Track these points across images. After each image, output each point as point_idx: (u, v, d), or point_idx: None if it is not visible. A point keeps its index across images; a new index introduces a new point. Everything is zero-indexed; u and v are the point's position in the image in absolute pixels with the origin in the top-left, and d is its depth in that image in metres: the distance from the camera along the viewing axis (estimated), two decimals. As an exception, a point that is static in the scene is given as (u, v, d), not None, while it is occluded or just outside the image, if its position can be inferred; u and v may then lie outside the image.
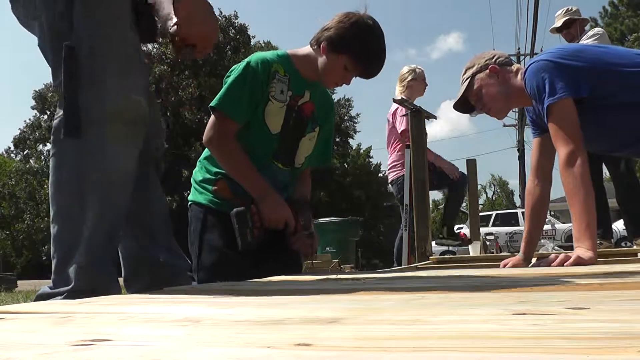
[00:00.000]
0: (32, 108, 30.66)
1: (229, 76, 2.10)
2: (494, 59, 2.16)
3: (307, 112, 2.15)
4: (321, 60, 2.05)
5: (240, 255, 2.02)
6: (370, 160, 36.29)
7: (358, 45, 1.99)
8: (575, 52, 2.02)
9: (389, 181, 4.75)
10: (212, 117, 2.07)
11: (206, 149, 2.19)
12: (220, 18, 29.62)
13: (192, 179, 2.26)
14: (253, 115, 2.06)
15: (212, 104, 2.04)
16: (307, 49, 2.12)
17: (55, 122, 1.42)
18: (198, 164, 2.25)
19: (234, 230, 1.98)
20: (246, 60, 2.08)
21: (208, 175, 2.16)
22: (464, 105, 2.24)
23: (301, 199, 2.20)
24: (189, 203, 2.23)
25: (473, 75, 2.15)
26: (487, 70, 2.13)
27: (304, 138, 2.16)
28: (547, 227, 11.42)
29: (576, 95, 1.92)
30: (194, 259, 2.15)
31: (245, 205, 2.00)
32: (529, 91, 2.03)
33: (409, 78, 4.58)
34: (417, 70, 4.62)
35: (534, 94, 2.00)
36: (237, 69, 2.08)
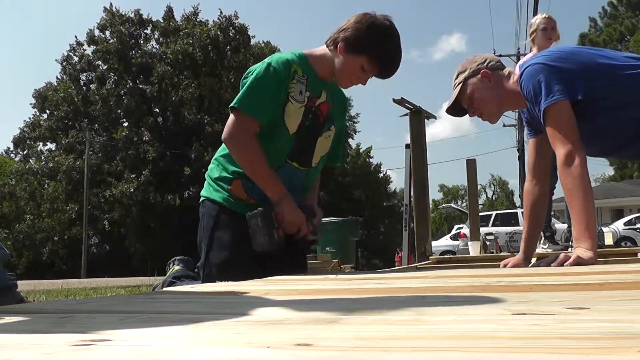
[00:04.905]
0: (32, 107, 30.57)
1: (246, 77, 2.08)
2: (485, 63, 2.16)
3: (324, 113, 2.15)
4: (338, 60, 2.05)
5: (249, 255, 2.04)
6: (370, 160, 36.34)
7: (376, 46, 2.00)
8: (570, 55, 2.02)
9: None
10: (232, 116, 2.04)
11: (222, 147, 2.19)
12: (220, 18, 29.64)
13: (206, 175, 2.25)
14: (273, 116, 2.04)
15: (233, 104, 2.02)
16: (322, 49, 2.12)
17: None
18: (214, 161, 2.23)
19: (254, 231, 1.99)
20: (267, 61, 2.06)
21: (225, 174, 2.15)
22: (457, 109, 2.24)
23: (312, 205, 2.20)
24: (202, 199, 2.22)
25: (465, 80, 2.15)
26: (479, 75, 2.13)
27: (320, 138, 2.16)
28: (547, 227, 11.37)
29: (572, 97, 1.93)
30: (202, 255, 2.16)
31: (258, 207, 2.02)
32: (525, 94, 2.03)
33: (530, 30, 4.16)
34: (537, 20, 4.17)
35: (530, 97, 2.00)
36: (257, 69, 2.05)
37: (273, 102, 2.02)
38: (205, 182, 2.24)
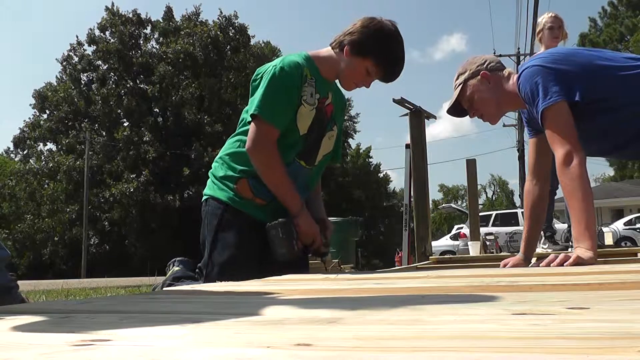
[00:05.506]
0: (32, 107, 30.55)
1: (255, 80, 2.09)
2: (485, 65, 2.16)
3: (328, 113, 2.18)
4: (343, 62, 2.08)
5: (253, 255, 2.07)
6: (370, 160, 36.36)
7: (382, 50, 2.05)
8: (567, 57, 2.02)
9: None
10: (254, 124, 2.04)
11: (226, 145, 2.20)
12: (220, 18, 29.63)
13: (210, 173, 2.26)
14: (288, 121, 2.07)
15: (255, 112, 2.02)
16: (327, 51, 2.14)
17: None
18: (218, 160, 2.23)
19: (274, 241, 2.03)
20: (278, 65, 2.06)
21: (231, 172, 2.15)
22: (458, 110, 2.25)
23: (325, 219, 2.25)
24: (205, 197, 2.22)
25: (465, 82, 2.16)
26: (479, 77, 2.14)
27: (324, 137, 2.19)
28: (547, 227, 11.36)
29: (569, 98, 1.93)
30: (205, 254, 2.16)
31: (264, 205, 2.07)
32: (523, 97, 2.04)
33: (537, 30, 4.11)
34: (543, 19, 4.12)
35: (528, 99, 2.01)
36: (268, 73, 2.05)
37: (290, 108, 2.05)
38: (209, 181, 2.24)
